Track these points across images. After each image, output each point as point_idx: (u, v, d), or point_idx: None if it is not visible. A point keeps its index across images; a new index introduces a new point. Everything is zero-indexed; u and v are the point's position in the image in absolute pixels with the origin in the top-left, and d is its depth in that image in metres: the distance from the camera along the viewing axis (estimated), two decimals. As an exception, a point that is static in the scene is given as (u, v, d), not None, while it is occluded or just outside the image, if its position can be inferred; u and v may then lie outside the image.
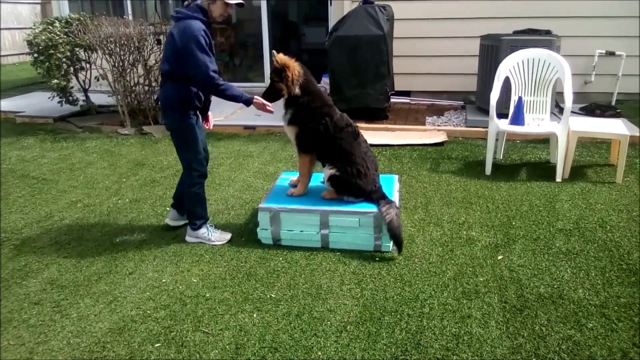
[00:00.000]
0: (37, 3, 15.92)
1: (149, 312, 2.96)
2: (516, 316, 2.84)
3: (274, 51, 3.64)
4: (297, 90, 3.55)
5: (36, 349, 2.68)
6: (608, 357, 2.52)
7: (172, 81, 3.49)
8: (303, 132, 3.64)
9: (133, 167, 5.50)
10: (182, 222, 3.98)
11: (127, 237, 3.90)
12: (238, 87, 3.67)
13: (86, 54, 7.17)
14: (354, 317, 2.86)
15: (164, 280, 3.28)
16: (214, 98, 3.69)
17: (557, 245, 3.61)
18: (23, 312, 2.99)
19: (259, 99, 3.59)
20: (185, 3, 3.52)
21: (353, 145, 3.66)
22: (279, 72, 3.54)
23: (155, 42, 6.90)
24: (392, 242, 3.51)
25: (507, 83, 5.16)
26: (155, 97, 6.71)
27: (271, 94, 3.64)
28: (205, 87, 3.47)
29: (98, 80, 7.07)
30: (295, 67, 3.53)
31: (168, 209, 4.15)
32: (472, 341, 2.65)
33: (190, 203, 3.74)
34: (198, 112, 3.66)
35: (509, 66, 5.13)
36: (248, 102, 3.56)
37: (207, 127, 3.92)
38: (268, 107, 3.61)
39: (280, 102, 3.68)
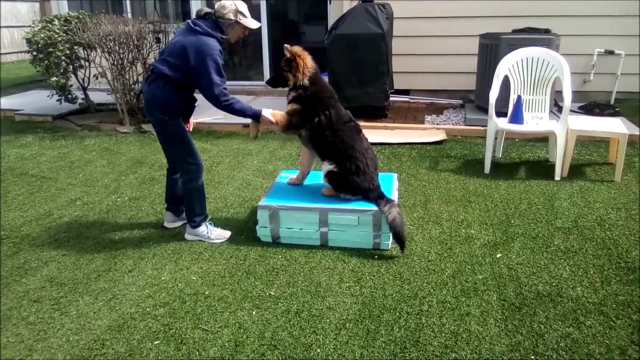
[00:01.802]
0: (36, 1, 15.88)
1: (148, 309, 2.97)
2: (515, 314, 2.85)
3: (286, 45, 3.65)
4: (305, 81, 3.61)
5: (35, 346, 2.68)
6: (606, 355, 2.53)
7: (165, 83, 3.47)
8: (299, 111, 3.64)
9: (132, 165, 5.50)
10: (179, 223, 3.98)
11: (127, 234, 3.91)
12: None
13: (85, 52, 7.16)
14: (353, 315, 2.87)
15: (163, 278, 3.29)
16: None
17: (556, 243, 3.61)
18: (22, 309, 3.00)
19: (267, 115, 3.60)
20: (203, 13, 3.50)
21: (355, 139, 3.66)
22: (289, 61, 3.60)
23: (155, 40, 6.90)
24: (391, 240, 3.52)
25: (506, 82, 5.16)
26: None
27: (276, 81, 3.74)
28: (214, 105, 3.47)
29: (97, 78, 7.07)
30: (307, 59, 3.63)
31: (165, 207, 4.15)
32: (470, 339, 2.66)
33: (189, 199, 3.72)
34: (183, 115, 3.68)
35: (508, 65, 5.13)
36: (256, 116, 3.60)
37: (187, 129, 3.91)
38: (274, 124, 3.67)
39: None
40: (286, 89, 3.74)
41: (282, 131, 3.78)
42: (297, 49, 3.65)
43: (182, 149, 3.62)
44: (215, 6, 3.46)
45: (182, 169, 3.69)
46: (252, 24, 3.52)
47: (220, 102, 3.42)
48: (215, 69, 3.35)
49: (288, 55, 3.61)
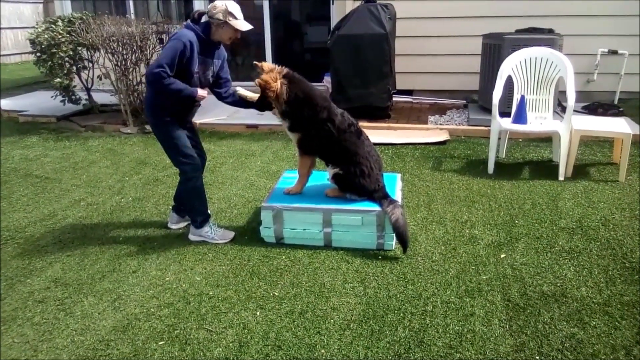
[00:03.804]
0: (40, 2, 15.96)
1: (152, 310, 2.97)
2: (519, 314, 2.84)
3: (255, 63, 3.57)
4: (284, 107, 3.51)
5: (40, 347, 2.69)
6: (611, 355, 2.52)
7: (148, 83, 3.51)
8: (305, 138, 3.64)
9: (136, 165, 5.51)
10: (183, 224, 3.99)
11: (131, 235, 3.91)
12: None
13: (89, 53, 7.17)
14: (357, 315, 2.87)
15: (167, 279, 3.29)
16: (216, 100, 3.69)
17: (560, 243, 3.61)
18: (27, 310, 3.00)
19: (201, 93, 3.51)
20: (196, 14, 3.49)
21: (357, 145, 3.63)
22: (262, 91, 3.49)
23: (158, 41, 6.91)
24: (395, 241, 3.52)
25: (509, 82, 5.15)
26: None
27: (262, 105, 3.60)
28: (149, 80, 3.37)
29: (101, 79, 7.08)
30: (275, 85, 3.43)
31: (171, 207, 4.15)
32: (475, 339, 2.66)
33: (189, 199, 3.74)
34: (178, 117, 3.62)
35: (512, 65, 5.12)
36: (193, 95, 3.48)
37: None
38: (205, 96, 3.55)
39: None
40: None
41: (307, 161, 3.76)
42: (263, 78, 3.44)
43: (175, 150, 3.60)
44: (208, 6, 3.47)
45: (178, 169, 3.70)
46: (242, 25, 3.46)
47: (157, 76, 3.27)
48: (171, 49, 3.29)
49: (259, 82, 3.46)
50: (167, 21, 7.36)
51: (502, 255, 3.46)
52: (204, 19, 3.50)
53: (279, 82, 3.45)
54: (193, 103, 3.67)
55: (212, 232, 3.75)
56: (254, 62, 3.60)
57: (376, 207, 3.54)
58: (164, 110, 3.53)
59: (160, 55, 3.35)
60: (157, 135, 3.65)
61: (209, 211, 3.83)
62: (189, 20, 3.49)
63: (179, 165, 3.66)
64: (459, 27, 7.34)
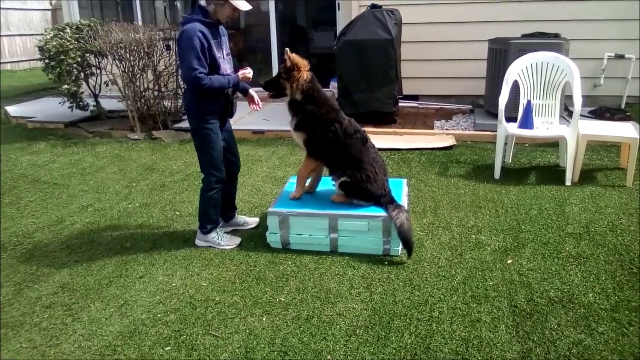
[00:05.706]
0: (48, 9, 16.12)
1: (159, 315, 2.98)
2: (526, 320, 2.83)
3: (287, 49, 3.62)
4: (298, 96, 3.58)
5: (48, 352, 2.70)
6: (619, 362, 2.51)
7: (186, 88, 3.56)
8: (312, 139, 3.66)
9: (143, 171, 5.53)
10: (248, 222, 4.08)
11: (138, 241, 3.93)
12: None
13: (96, 60, 7.22)
14: (363, 321, 2.86)
15: (174, 284, 3.30)
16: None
17: (567, 249, 3.59)
18: (35, 315, 3.02)
19: (241, 72, 3.59)
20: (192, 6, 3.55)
21: (362, 151, 3.65)
22: (288, 71, 3.56)
23: (165, 47, 6.95)
24: (401, 246, 3.51)
25: (515, 86, 5.15)
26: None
27: (273, 87, 3.66)
28: (190, 87, 3.45)
29: (108, 85, 7.13)
30: (303, 73, 3.55)
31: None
32: (481, 345, 2.65)
33: (204, 206, 3.73)
34: (221, 115, 3.65)
35: (518, 69, 5.12)
36: (236, 82, 3.57)
37: (254, 109, 3.94)
38: (247, 75, 3.62)
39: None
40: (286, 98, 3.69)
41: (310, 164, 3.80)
42: (298, 59, 3.58)
43: (208, 158, 3.62)
44: None
45: (204, 177, 3.70)
46: (242, 5, 3.46)
47: (197, 82, 3.34)
48: (190, 49, 3.30)
49: (288, 63, 3.55)
50: (174, 28, 7.40)
51: (509, 261, 3.45)
52: (203, 3, 3.48)
53: (306, 72, 3.56)
54: (230, 98, 3.64)
55: (218, 238, 3.76)
56: (286, 48, 3.63)
57: (382, 213, 3.54)
58: (205, 112, 3.53)
59: (185, 61, 3.34)
60: (195, 139, 3.65)
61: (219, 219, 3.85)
62: (183, 16, 3.50)
63: (206, 174, 3.67)
64: (464, 32, 7.34)
